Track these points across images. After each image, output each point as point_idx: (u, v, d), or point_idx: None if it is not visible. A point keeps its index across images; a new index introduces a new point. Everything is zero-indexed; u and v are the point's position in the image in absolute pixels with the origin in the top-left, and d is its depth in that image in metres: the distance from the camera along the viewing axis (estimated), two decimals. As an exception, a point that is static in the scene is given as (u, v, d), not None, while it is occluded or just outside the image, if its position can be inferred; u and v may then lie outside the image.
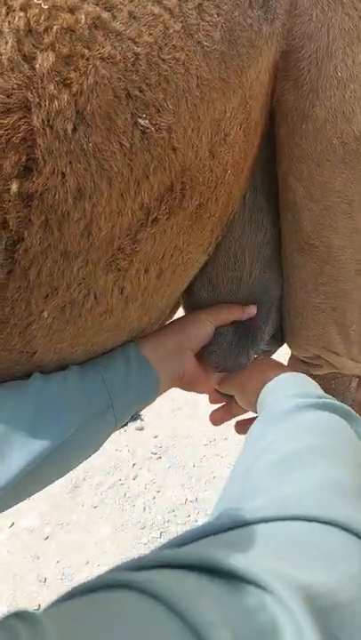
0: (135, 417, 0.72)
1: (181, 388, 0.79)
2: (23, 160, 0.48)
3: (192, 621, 0.26)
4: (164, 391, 0.75)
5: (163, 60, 0.50)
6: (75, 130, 0.48)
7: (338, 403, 0.53)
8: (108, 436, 0.68)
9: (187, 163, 0.55)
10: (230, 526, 0.36)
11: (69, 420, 0.60)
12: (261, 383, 0.63)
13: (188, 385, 0.78)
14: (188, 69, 0.51)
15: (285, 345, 0.97)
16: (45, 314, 0.55)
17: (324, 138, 0.64)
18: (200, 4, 0.52)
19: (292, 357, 1.00)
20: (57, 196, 0.50)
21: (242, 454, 0.50)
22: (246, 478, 0.44)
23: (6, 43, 0.45)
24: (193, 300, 0.78)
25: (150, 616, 0.27)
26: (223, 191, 0.62)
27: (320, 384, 1.01)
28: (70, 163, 0.49)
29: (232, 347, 0.80)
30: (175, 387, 0.78)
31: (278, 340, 0.97)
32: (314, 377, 0.99)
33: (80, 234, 0.52)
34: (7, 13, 0.45)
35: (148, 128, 0.50)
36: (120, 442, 1.97)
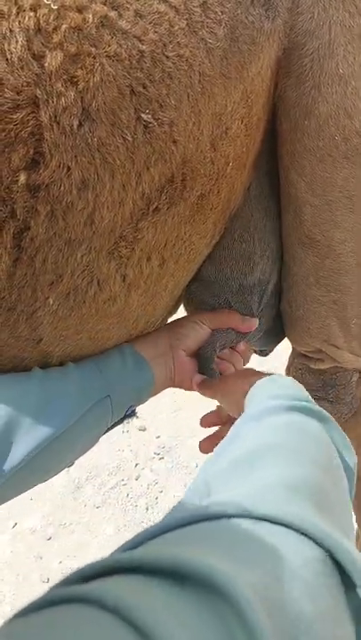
0: (131, 414, 0.77)
1: (174, 386, 0.83)
2: (31, 153, 0.52)
3: (153, 635, 0.26)
4: (159, 391, 0.80)
5: (167, 57, 0.54)
6: (80, 125, 0.52)
7: (315, 406, 0.55)
8: (105, 429, 0.72)
9: (187, 155, 0.59)
10: (180, 524, 0.37)
11: (71, 409, 0.64)
12: (242, 390, 0.65)
13: (178, 384, 0.83)
14: (192, 66, 0.55)
15: (281, 345, 1.01)
16: (51, 300, 0.60)
17: (326, 134, 0.68)
18: (205, 2, 0.56)
19: (294, 352, 1.04)
20: (62, 188, 0.54)
21: (210, 456, 0.53)
22: (205, 477, 0.47)
23: (17, 42, 0.50)
24: (196, 280, 0.82)
25: (107, 631, 0.26)
26: (225, 184, 0.66)
27: (321, 378, 1.05)
28: (75, 156, 0.53)
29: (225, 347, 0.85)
30: (169, 386, 0.82)
31: (274, 340, 1.01)
32: (315, 371, 1.03)
33: (84, 223, 0.57)
34: (17, 13, 0.50)
35: (150, 123, 0.54)
36: (122, 442, 2.01)
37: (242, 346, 0.88)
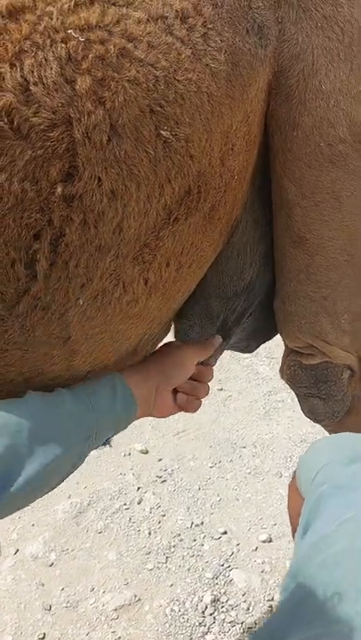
0: (106, 442, 0.82)
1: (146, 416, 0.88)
2: (66, 167, 0.59)
3: None
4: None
5: (178, 80, 0.63)
6: (109, 140, 0.60)
7: None
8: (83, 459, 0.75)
9: (202, 169, 0.67)
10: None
11: (63, 442, 0.67)
12: None
13: (152, 414, 0.88)
14: (200, 87, 0.64)
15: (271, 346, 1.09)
16: (81, 301, 0.66)
17: (312, 142, 0.78)
18: (205, 33, 0.66)
19: (286, 349, 1.11)
20: (94, 197, 0.61)
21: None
22: (333, 563, 0.47)
23: (51, 68, 0.58)
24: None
25: None
26: (230, 195, 0.74)
27: (313, 374, 1.13)
28: (105, 168, 0.61)
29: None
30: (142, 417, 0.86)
31: (261, 338, 1.09)
32: (307, 367, 1.11)
33: (112, 230, 0.64)
34: (51, 45, 0.58)
35: (168, 138, 0.63)
36: (125, 465, 2.05)
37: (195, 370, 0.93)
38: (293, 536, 0.78)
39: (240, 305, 0.96)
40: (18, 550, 1.78)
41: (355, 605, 0.40)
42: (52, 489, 0.71)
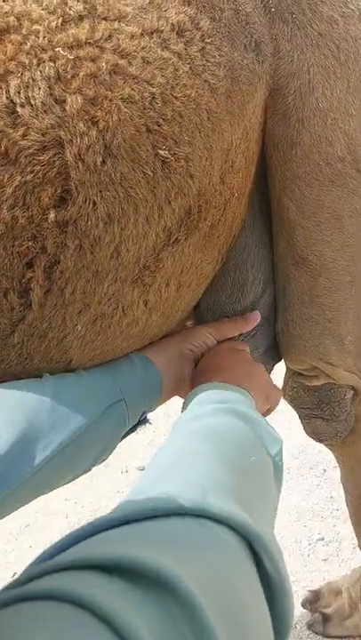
0: (144, 420, 0.76)
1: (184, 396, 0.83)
2: (59, 192, 0.53)
3: (124, 634, 0.26)
4: (169, 397, 0.78)
5: (175, 97, 0.57)
6: (103, 162, 0.54)
7: (241, 407, 0.58)
8: (121, 435, 0.71)
9: (202, 188, 0.62)
10: (112, 524, 0.38)
11: (86, 412, 0.62)
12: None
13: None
14: (199, 104, 0.59)
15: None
16: (79, 327, 0.60)
17: (311, 161, 0.72)
18: (203, 48, 0.60)
19: (289, 371, 1.05)
20: (89, 222, 0.55)
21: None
22: (144, 479, 0.48)
23: (39, 88, 0.52)
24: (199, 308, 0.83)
25: (87, 628, 0.27)
26: (230, 213, 0.69)
27: (316, 395, 1.06)
28: (100, 192, 0.55)
29: None
30: (179, 394, 0.80)
31: (273, 359, 1.02)
32: (310, 388, 1.04)
33: (110, 255, 0.58)
34: (38, 64, 0.52)
35: (167, 158, 0.57)
36: (121, 483, 1.95)
37: None
38: None
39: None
40: (15, 573, 1.68)
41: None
42: (92, 462, 0.66)
